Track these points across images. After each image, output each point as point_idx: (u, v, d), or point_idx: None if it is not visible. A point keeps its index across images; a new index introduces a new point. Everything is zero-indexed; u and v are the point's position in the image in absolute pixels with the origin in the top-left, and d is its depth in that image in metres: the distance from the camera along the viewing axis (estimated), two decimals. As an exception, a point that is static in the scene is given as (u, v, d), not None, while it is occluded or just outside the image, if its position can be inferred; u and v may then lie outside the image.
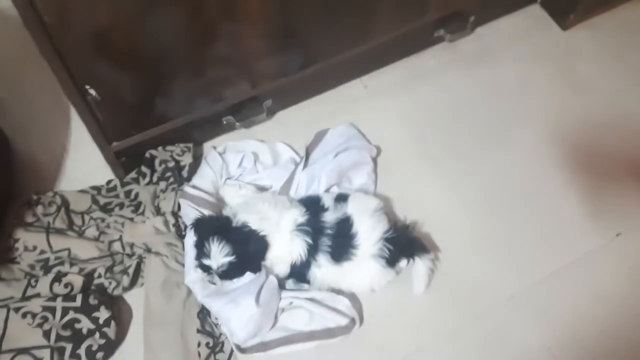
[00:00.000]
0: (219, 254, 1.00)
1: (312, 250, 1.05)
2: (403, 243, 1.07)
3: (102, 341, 0.97)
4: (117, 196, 1.13)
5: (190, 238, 1.05)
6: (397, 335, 1.06)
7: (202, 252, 1.01)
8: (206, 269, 1.02)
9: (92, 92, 0.93)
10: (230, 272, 1.03)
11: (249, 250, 1.02)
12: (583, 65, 1.39)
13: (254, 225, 1.02)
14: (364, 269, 1.05)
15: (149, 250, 1.07)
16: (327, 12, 1.09)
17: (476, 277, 1.12)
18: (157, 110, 1.11)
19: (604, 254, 1.15)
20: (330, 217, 1.06)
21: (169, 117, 1.14)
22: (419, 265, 1.06)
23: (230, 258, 1.00)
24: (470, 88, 1.34)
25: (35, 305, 0.98)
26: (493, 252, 1.15)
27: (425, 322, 1.08)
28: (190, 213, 1.10)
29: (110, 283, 1.03)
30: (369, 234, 1.05)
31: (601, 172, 1.24)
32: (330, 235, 1.05)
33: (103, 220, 1.10)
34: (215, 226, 1.03)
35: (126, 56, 0.97)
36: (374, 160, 1.21)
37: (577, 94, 1.34)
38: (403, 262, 1.07)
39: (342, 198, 1.10)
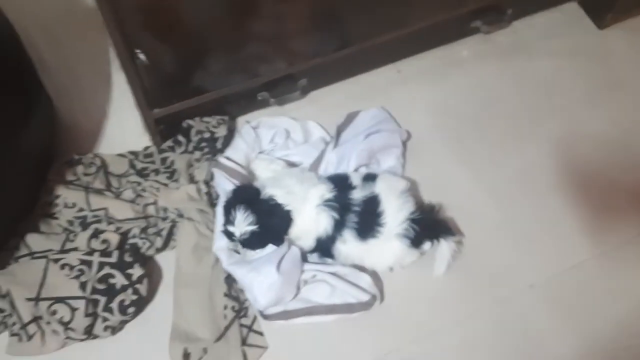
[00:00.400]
0: (243, 222, 1.03)
1: (338, 226, 1.08)
2: (428, 225, 1.10)
3: (134, 297, 1.02)
4: (153, 162, 1.17)
5: (222, 207, 1.09)
6: (416, 315, 1.09)
7: (228, 219, 1.06)
8: (230, 235, 1.06)
9: (142, 56, 0.97)
10: (251, 241, 1.06)
11: (272, 223, 1.05)
12: (616, 66, 1.39)
13: (280, 199, 1.06)
14: (388, 247, 1.08)
15: (181, 216, 1.11)
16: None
17: (497, 264, 1.14)
18: (197, 81, 1.14)
19: (627, 250, 1.16)
20: (357, 195, 1.09)
21: (207, 89, 1.17)
22: (443, 247, 1.09)
23: (253, 227, 1.04)
24: (503, 80, 1.35)
25: (73, 258, 1.02)
26: (515, 241, 1.16)
27: (444, 304, 1.10)
28: (222, 183, 1.14)
29: (144, 243, 1.08)
30: (395, 213, 1.07)
31: (629, 169, 1.25)
32: (357, 212, 1.07)
33: (139, 184, 1.15)
34: (243, 196, 1.07)
35: (174, 25, 1.01)
36: (404, 144, 1.24)
37: (609, 93, 1.35)
38: (427, 244, 1.10)
39: (370, 177, 1.12)
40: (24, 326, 0.99)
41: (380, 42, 1.25)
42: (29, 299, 0.99)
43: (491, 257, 1.15)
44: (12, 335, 0.99)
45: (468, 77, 1.35)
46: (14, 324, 0.99)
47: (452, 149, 1.26)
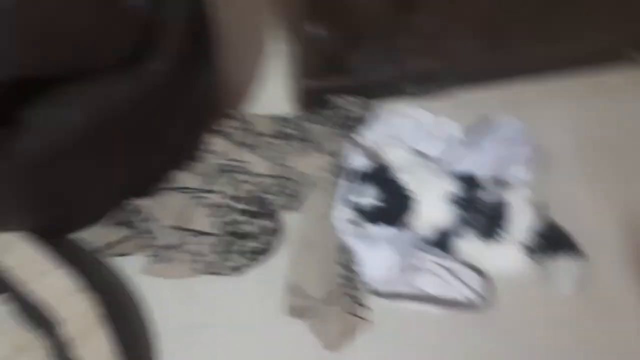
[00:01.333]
0: (367, 195, 1.08)
1: (461, 222, 1.10)
2: (554, 240, 1.09)
3: (261, 246, 1.10)
4: (293, 128, 1.25)
5: (350, 179, 1.15)
6: (521, 328, 1.08)
7: (353, 190, 1.11)
8: (352, 205, 1.11)
9: (315, 28, 1.04)
10: (372, 215, 1.11)
11: (394, 202, 1.10)
12: None
13: (408, 184, 1.10)
14: (508, 253, 1.09)
15: (311, 182, 1.18)
16: (544, 8, 1.12)
17: (620, 296, 1.11)
18: (352, 61, 1.21)
19: None
20: (485, 196, 1.11)
21: (358, 70, 1.23)
22: (570, 265, 1.07)
23: (376, 202, 1.08)
24: (654, 116, 1.30)
25: (214, 199, 1.12)
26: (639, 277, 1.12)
27: (554, 324, 1.08)
28: (354, 159, 1.19)
29: (275, 200, 1.15)
30: (521, 221, 1.08)
31: None
32: (482, 213, 1.09)
33: (278, 145, 1.23)
34: (372, 172, 1.12)
35: (348, 3, 1.07)
36: (537, 158, 1.23)
37: None
38: (549, 259, 1.09)
39: (500, 183, 1.13)
40: (162, 250, 1.10)
41: (533, 54, 1.25)
42: (172, 227, 1.10)
43: (615, 287, 1.11)
44: (150, 256, 1.11)
45: (616, 105, 1.31)
46: (154, 246, 1.10)
47: (586, 172, 1.24)
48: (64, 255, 1.02)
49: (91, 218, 1.09)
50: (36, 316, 0.98)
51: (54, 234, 1.04)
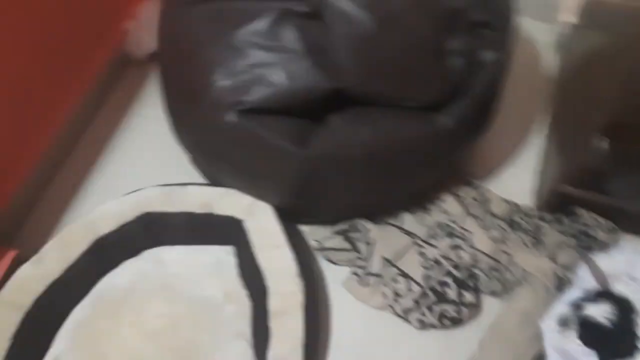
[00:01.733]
0: (600, 311, 1.03)
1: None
2: None
3: (455, 315, 1.11)
4: (527, 222, 1.25)
5: (574, 291, 1.11)
6: None
7: (587, 300, 1.07)
8: (578, 311, 1.05)
9: (602, 141, 1.04)
10: (591, 335, 1.04)
11: (618, 338, 1.01)
12: None
13: (635, 326, 1.02)
14: None
15: (526, 280, 1.16)
16: None
17: None
18: (613, 182, 1.17)
19: None
20: None
21: (615, 193, 1.19)
22: None
23: (605, 322, 1.02)
24: None
25: (430, 252, 1.17)
26: None
27: None
28: (583, 277, 1.14)
29: (485, 280, 1.16)
30: None
31: None
32: None
33: (506, 231, 1.23)
34: (613, 296, 1.07)
35: None
36: None
37: None
38: None
39: None
40: (367, 274, 1.17)
41: None
42: (384, 258, 1.17)
43: None
44: (353, 274, 1.19)
45: None
46: (360, 267, 1.19)
47: None
48: (292, 238, 1.15)
49: (323, 219, 1.22)
50: (253, 278, 1.13)
51: (291, 218, 1.19)
